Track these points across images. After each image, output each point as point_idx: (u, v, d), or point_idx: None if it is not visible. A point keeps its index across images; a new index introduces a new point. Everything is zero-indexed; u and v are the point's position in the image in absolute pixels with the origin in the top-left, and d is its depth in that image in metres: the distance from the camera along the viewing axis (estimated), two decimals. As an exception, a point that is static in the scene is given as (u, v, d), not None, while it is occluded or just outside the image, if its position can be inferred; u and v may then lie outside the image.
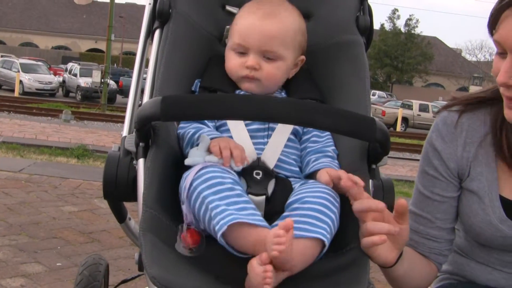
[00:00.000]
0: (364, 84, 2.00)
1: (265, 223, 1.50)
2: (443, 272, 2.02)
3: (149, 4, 2.14)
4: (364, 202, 1.55)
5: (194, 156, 1.65)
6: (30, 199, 5.65)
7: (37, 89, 33.28)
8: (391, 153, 18.42)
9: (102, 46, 49.89)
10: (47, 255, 4.21)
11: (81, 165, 9.18)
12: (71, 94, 35.22)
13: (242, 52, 1.90)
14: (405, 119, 33.69)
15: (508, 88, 1.62)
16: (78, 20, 69.14)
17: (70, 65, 38.37)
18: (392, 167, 13.79)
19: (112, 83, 28.51)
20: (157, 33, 2.05)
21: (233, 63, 1.91)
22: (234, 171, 1.63)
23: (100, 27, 59.08)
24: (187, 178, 1.57)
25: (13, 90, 31.73)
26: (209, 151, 1.65)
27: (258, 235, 1.46)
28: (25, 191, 5.90)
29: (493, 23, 1.63)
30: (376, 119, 1.63)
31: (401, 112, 33.49)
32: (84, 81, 32.98)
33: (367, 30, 2.16)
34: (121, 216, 2.03)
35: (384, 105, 37.52)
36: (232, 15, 2.09)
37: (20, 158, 9.08)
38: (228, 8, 2.19)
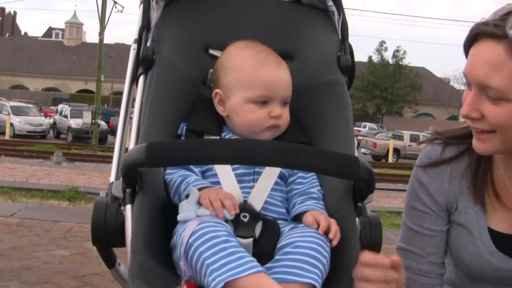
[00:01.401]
0: (347, 123, 2.02)
1: (260, 268, 1.51)
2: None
3: (133, 49, 2.16)
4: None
5: (186, 211, 1.66)
6: (21, 243, 5.60)
7: (28, 132, 33.21)
8: (384, 185, 18.43)
9: (92, 86, 50.04)
10: (39, 301, 4.16)
11: (73, 207, 9.14)
12: (62, 136, 35.16)
13: (264, 102, 1.91)
14: (396, 150, 33.72)
15: (472, 120, 1.65)
16: (67, 62, 69.33)
17: (60, 106, 38.32)
18: (385, 199, 13.76)
19: (102, 123, 28.57)
20: (141, 78, 2.08)
21: (258, 115, 1.90)
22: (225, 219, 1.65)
23: (90, 68, 59.27)
24: (183, 235, 1.58)
25: (3, 133, 31.65)
26: (199, 203, 1.67)
27: (255, 285, 1.47)
28: (17, 236, 5.86)
29: (466, 54, 1.68)
30: (359, 158, 1.66)
31: (392, 143, 33.54)
32: (75, 122, 32.93)
33: (348, 69, 2.19)
34: (110, 261, 2.02)
35: (375, 137, 37.61)
36: (215, 58, 2.11)
37: (11, 202, 9.04)
38: (211, 51, 2.22)
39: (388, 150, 33.59)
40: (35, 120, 34.48)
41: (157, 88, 2.00)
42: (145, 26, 2.18)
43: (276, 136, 1.97)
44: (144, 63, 2.07)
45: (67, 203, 10.00)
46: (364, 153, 34.57)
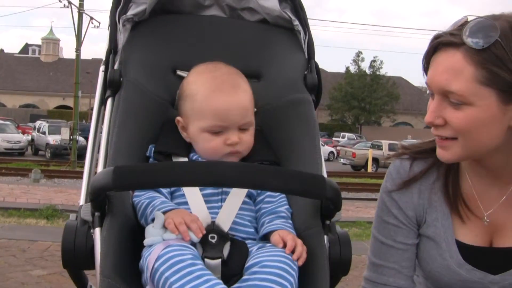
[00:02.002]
0: (314, 142, 2.04)
1: None
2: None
3: (102, 71, 2.17)
4: None
5: (152, 236, 1.67)
6: (-2, 264, 5.56)
7: (5, 149, 32.90)
8: (363, 195, 18.49)
9: (70, 102, 49.81)
10: (16, 322, 4.12)
11: (51, 226, 9.05)
12: (40, 152, 34.88)
13: (219, 131, 1.90)
14: (375, 160, 33.85)
15: (436, 127, 1.68)
16: (45, 78, 68.96)
17: (38, 123, 38.02)
18: (364, 209, 13.78)
19: (81, 139, 28.34)
20: (109, 101, 2.08)
21: (214, 144, 1.90)
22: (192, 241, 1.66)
23: (67, 83, 58.95)
24: (149, 260, 1.59)
25: (-19, 151, 31.35)
26: (165, 227, 1.67)
27: None
28: (-7, 257, 5.81)
29: (426, 66, 1.71)
30: (325, 177, 1.67)
31: (371, 153, 33.67)
32: (53, 139, 32.70)
33: (315, 88, 2.21)
34: (81, 284, 2.02)
35: (354, 147, 37.74)
36: (182, 78, 2.11)
37: (-13, 222, 8.94)
38: (179, 72, 2.22)
39: (367, 160, 33.72)
40: (13, 137, 34.18)
41: (125, 110, 2.00)
42: (112, 49, 2.18)
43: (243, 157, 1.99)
44: (111, 85, 2.07)
45: (45, 221, 9.90)
46: (344, 163, 34.69)
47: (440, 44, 1.65)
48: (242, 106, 1.91)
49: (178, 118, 1.98)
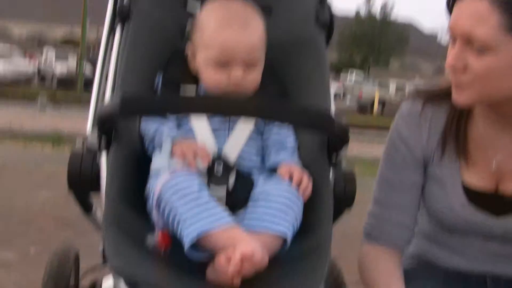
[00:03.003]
0: (324, 78, 2.03)
1: (232, 222, 1.54)
2: (405, 255, 2.06)
3: (111, 0, 2.14)
4: None
5: (158, 163, 1.68)
6: (4, 186, 5.62)
7: (12, 76, 32.89)
8: (368, 134, 18.51)
9: (78, 30, 49.36)
10: (21, 242, 4.19)
11: (56, 152, 9.12)
12: (47, 81, 34.86)
13: (223, 65, 1.85)
14: (382, 101, 33.81)
15: (455, 72, 1.67)
16: (52, 5, 68.31)
17: (45, 50, 37.88)
18: (368, 149, 13.82)
19: (88, 68, 28.30)
20: (118, 30, 2.06)
21: (216, 78, 1.85)
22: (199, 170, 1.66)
23: (75, 11, 58.40)
24: (155, 187, 1.60)
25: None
26: (172, 155, 1.68)
27: (228, 237, 1.49)
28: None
29: (450, 11, 1.69)
30: (334, 114, 1.68)
31: (377, 94, 33.61)
32: (60, 67, 32.66)
33: (327, 25, 2.17)
34: (86, 207, 2.04)
35: (360, 86, 37.62)
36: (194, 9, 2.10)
37: (-6, 146, 9.02)
38: (190, 3, 2.18)
39: (373, 101, 33.67)
40: (20, 65, 34.09)
41: (134, 39, 1.99)
42: None
43: None
44: (121, 14, 2.05)
45: (51, 147, 9.98)
46: (349, 103, 34.65)
47: None
48: (250, 43, 1.86)
49: (189, 45, 1.96)
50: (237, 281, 1.46)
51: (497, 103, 1.72)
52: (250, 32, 1.87)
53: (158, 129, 1.77)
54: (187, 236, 1.49)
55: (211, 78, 1.85)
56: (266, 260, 1.47)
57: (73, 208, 2.06)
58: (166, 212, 1.55)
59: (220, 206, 1.58)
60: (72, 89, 28.30)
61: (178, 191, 1.55)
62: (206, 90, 1.91)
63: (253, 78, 1.88)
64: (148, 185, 1.68)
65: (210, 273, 1.53)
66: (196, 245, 1.52)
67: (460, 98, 1.71)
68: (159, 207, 1.57)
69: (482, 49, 1.59)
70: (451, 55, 1.67)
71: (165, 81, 1.94)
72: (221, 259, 1.46)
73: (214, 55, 1.83)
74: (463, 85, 1.67)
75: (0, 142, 9.93)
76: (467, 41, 1.62)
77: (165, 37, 2.09)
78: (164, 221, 1.58)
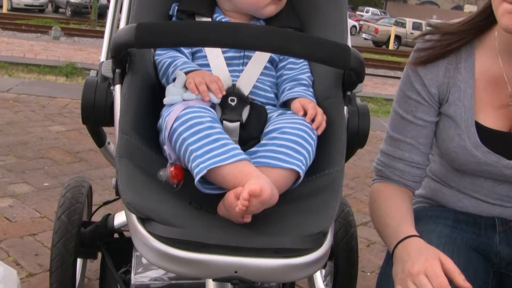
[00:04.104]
0: (341, 10, 1.99)
1: (243, 156, 1.53)
2: (416, 196, 2.07)
3: None
4: None
5: (172, 95, 1.66)
6: (17, 119, 5.64)
7: (26, 5, 32.70)
8: (383, 71, 18.41)
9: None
10: (35, 175, 4.24)
11: (70, 83, 9.12)
12: (60, 10, 34.64)
13: None
14: (398, 37, 33.40)
15: None
16: None
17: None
18: (382, 86, 13.78)
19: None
20: None
21: None
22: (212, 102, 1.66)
23: None
24: (168, 119, 1.59)
25: (1, 6, 31.11)
26: (186, 86, 1.67)
27: (238, 172, 1.49)
28: (13, 111, 5.90)
29: None
30: (350, 47, 1.65)
31: (394, 30, 33.17)
32: (74, -5, 32.41)
33: None
34: (100, 140, 2.05)
35: (377, 23, 37.15)
36: None
37: (8, 77, 9.00)
38: None
39: (389, 37, 33.27)
40: (34, -7, 33.82)
41: None
42: None
43: (268, 20, 1.96)
44: None
45: (64, 78, 9.99)
46: (365, 39, 34.29)
47: None
48: None
49: None
50: (247, 218, 1.48)
51: None
52: None
53: (172, 61, 1.76)
54: (198, 170, 1.49)
55: None
56: (276, 197, 1.47)
57: (86, 141, 2.07)
58: (178, 145, 1.55)
59: (232, 140, 1.58)
60: (86, 18, 28.08)
61: (191, 125, 1.54)
62: (219, 16, 1.91)
63: None
64: (160, 118, 1.68)
65: (221, 208, 1.54)
66: (207, 179, 1.53)
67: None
68: (171, 140, 1.57)
69: None
70: None
71: (180, 11, 1.92)
72: (230, 196, 1.47)
73: None
74: None
75: (13, 73, 9.96)
76: None
77: None
78: (176, 154, 1.58)
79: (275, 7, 1.92)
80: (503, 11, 1.64)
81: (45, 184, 4.10)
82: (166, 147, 1.61)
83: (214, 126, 1.55)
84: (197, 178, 1.50)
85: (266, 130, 1.68)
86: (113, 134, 1.65)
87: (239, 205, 1.41)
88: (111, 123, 1.73)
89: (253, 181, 1.43)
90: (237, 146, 1.56)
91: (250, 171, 1.49)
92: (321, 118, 1.69)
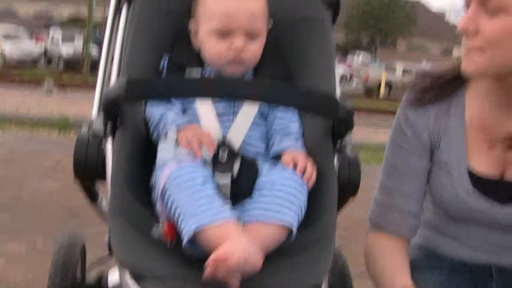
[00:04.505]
0: (329, 60, 2.01)
1: (229, 218, 1.52)
2: (412, 245, 2.06)
3: None
4: None
5: (164, 151, 1.67)
6: (11, 174, 5.63)
7: (18, 58, 32.87)
8: (375, 118, 18.44)
9: (84, 10, 49.13)
10: (28, 233, 4.19)
11: (63, 138, 9.15)
12: (53, 63, 34.82)
13: (225, 34, 1.85)
14: (389, 83, 33.65)
15: (467, 36, 1.65)
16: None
17: (52, 32, 37.73)
18: (374, 134, 13.77)
19: (95, 50, 28.20)
20: (124, 9, 2.04)
21: (218, 48, 1.85)
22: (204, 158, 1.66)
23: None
24: (160, 178, 1.59)
25: (-6, 60, 31.28)
26: (177, 143, 1.67)
27: (220, 236, 1.48)
28: (6, 167, 5.89)
29: None
30: (339, 97, 1.66)
31: (384, 76, 33.44)
32: (66, 49, 32.61)
33: (333, 4, 2.15)
34: (92, 196, 2.05)
35: (367, 69, 37.45)
36: None
37: (1, 132, 9.02)
38: None
39: (380, 83, 33.53)
40: (26, 47, 34.04)
41: (139, 20, 1.97)
42: None
43: (256, 69, 1.95)
44: None
45: (57, 133, 10.01)
46: (356, 85, 34.53)
47: None
48: (252, 10, 1.86)
49: (191, 22, 1.95)
50: (234, 281, 1.46)
51: (503, 79, 1.70)
52: (252, 1, 1.87)
53: (163, 116, 1.76)
54: (185, 231, 1.49)
55: (213, 48, 1.86)
56: (256, 262, 1.46)
57: (80, 197, 2.06)
58: (169, 204, 1.54)
59: (221, 199, 1.57)
60: (78, 71, 28.26)
61: (181, 183, 1.54)
62: (210, 67, 1.90)
63: (254, 49, 1.88)
64: (153, 176, 1.68)
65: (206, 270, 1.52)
66: (194, 240, 1.52)
67: (470, 66, 1.68)
68: (163, 199, 1.57)
69: (496, 10, 1.57)
70: (464, 18, 1.65)
71: (170, 63, 1.93)
72: (209, 259, 1.45)
73: (216, 25, 1.84)
74: (474, 50, 1.65)
75: (6, 128, 9.96)
76: (481, 2, 1.60)
77: (171, 17, 2.06)
78: (167, 213, 1.58)
79: (237, 67, 1.88)
80: (464, 55, 1.69)
81: (38, 242, 4.05)
82: (158, 206, 1.61)
83: (203, 186, 1.55)
84: (184, 241, 1.49)
85: (257, 184, 1.68)
86: (106, 189, 1.65)
87: (206, 271, 1.41)
88: (103, 177, 1.73)
89: (222, 247, 1.42)
90: (225, 206, 1.55)
91: (230, 234, 1.47)
92: (311, 170, 1.69)
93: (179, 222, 1.51)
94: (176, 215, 1.52)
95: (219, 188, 1.62)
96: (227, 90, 1.56)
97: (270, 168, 1.73)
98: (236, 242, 1.44)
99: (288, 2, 2.15)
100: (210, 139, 1.69)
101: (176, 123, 1.73)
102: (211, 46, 1.87)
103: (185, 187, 1.53)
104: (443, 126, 1.83)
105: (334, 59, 2.04)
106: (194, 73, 1.90)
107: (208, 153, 1.66)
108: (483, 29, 1.61)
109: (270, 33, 1.96)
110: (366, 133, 13.37)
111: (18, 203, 4.81)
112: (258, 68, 1.96)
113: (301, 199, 1.63)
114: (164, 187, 1.56)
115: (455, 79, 1.82)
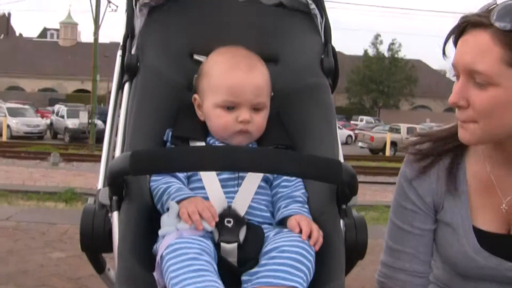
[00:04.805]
0: (331, 126, 2.04)
1: None
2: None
3: (119, 56, 2.18)
4: None
5: (166, 225, 1.69)
6: (17, 247, 5.60)
7: (25, 133, 33.12)
8: (381, 178, 18.42)
9: (88, 86, 49.75)
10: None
11: (69, 209, 9.14)
12: (59, 136, 35.10)
13: (232, 107, 1.91)
14: (393, 143, 33.70)
15: (459, 109, 1.69)
16: (63, 62, 69.01)
17: (57, 107, 38.20)
18: (382, 193, 13.76)
19: (99, 123, 28.47)
20: (126, 86, 2.10)
21: (226, 120, 1.91)
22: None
23: (86, 67, 58.68)
24: (160, 247, 1.62)
25: (0, 135, 31.56)
26: (179, 216, 1.69)
27: None
28: (13, 240, 5.86)
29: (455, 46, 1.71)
30: (342, 162, 1.68)
31: (389, 137, 33.54)
32: (71, 123, 32.90)
33: (332, 72, 2.20)
34: (100, 267, 2.05)
35: (372, 131, 37.61)
36: (200, 63, 2.13)
37: (7, 205, 9.02)
38: (196, 57, 2.23)
39: (385, 144, 33.59)
40: (32, 121, 34.38)
41: (142, 95, 2.01)
42: (129, 34, 2.20)
43: (260, 139, 1.99)
44: (128, 70, 2.09)
45: (64, 204, 10.01)
46: (361, 147, 34.60)
47: (468, 24, 1.65)
48: (257, 84, 1.93)
49: (195, 95, 2.00)
50: None
51: (501, 142, 1.72)
52: (256, 75, 1.93)
53: (167, 189, 1.78)
54: None
55: (219, 121, 1.91)
56: None
57: (87, 268, 2.06)
58: (166, 275, 1.56)
59: (231, 261, 1.61)
60: (84, 144, 28.45)
61: (177, 255, 1.57)
62: (213, 139, 1.94)
63: (259, 122, 1.93)
64: (154, 247, 1.70)
65: None
66: None
67: (466, 135, 1.71)
68: (161, 268, 1.59)
69: (484, 83, 1.61)
70: (454, 92, 1.68)
71: (174, 137, 1.96)
72: None
73: (222, 98, 1.90)
74: (467, 122, 1.68)
75: (13, 201, 9.97)
76: (470, 76, 1.63)
77: (173, 90, 2.12)
78: (163, 281, 1.59)
79: (243, 139, 1.94)
80: (459, 124, 1.72)
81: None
82: (155, 274, 1.62)
83: (198, 258, 1.57)
84: None
85: (264, 249, 1.68)
86: (113, 259, 1.65)
87: None
88: (110, 249, 1.74)
89: None
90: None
91: None
92: (317, 234, 1.70)
93: None
94: (170, 285, 1.53)
95: (225, 254, 1.64)
96: (231, 162, 1.58)
97: (276, 233, 1.73)
98: None
99: (288, 72, 2.21)
100: (211, 211, 1.69)
101: (178, 197, 1.75)
102: (217, 119, 1.92)
103: (181, 260, 1.55)
104: (445, 186, 1.84)
105: (335, 124, 2.08)
106: (197, 145, 1.93)
107: (209, 226, 1.67)
108: (474, 102, 1.64)
109: (272, 101, 2.00)
110: (373, 193, 13.34)
111: (25, 275, 4.78)
112: (261, 139, 2.00)
113: (309, 264, 1.63)
114: (161, 258, 1.59)
115: (455, 141, 1.84)
